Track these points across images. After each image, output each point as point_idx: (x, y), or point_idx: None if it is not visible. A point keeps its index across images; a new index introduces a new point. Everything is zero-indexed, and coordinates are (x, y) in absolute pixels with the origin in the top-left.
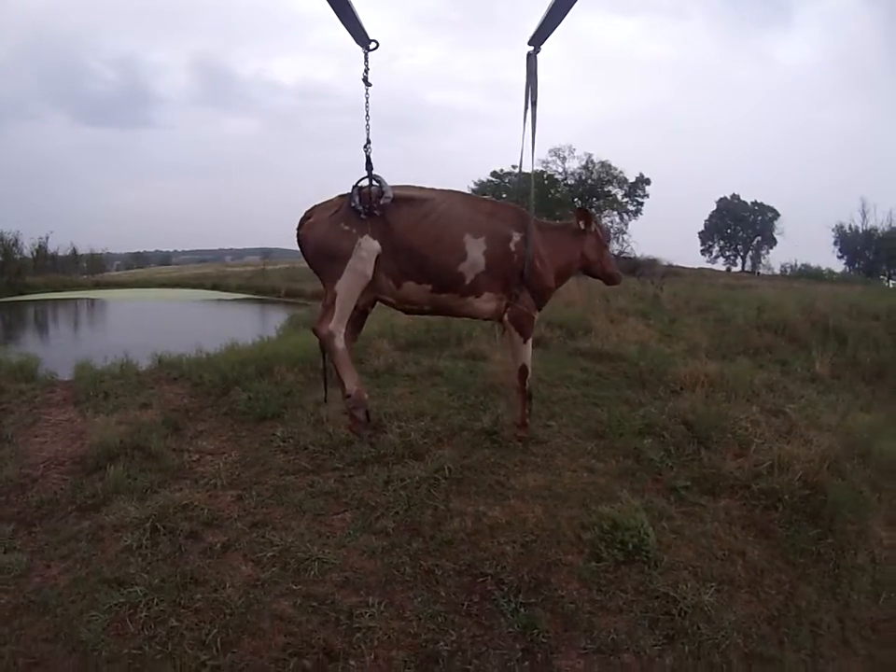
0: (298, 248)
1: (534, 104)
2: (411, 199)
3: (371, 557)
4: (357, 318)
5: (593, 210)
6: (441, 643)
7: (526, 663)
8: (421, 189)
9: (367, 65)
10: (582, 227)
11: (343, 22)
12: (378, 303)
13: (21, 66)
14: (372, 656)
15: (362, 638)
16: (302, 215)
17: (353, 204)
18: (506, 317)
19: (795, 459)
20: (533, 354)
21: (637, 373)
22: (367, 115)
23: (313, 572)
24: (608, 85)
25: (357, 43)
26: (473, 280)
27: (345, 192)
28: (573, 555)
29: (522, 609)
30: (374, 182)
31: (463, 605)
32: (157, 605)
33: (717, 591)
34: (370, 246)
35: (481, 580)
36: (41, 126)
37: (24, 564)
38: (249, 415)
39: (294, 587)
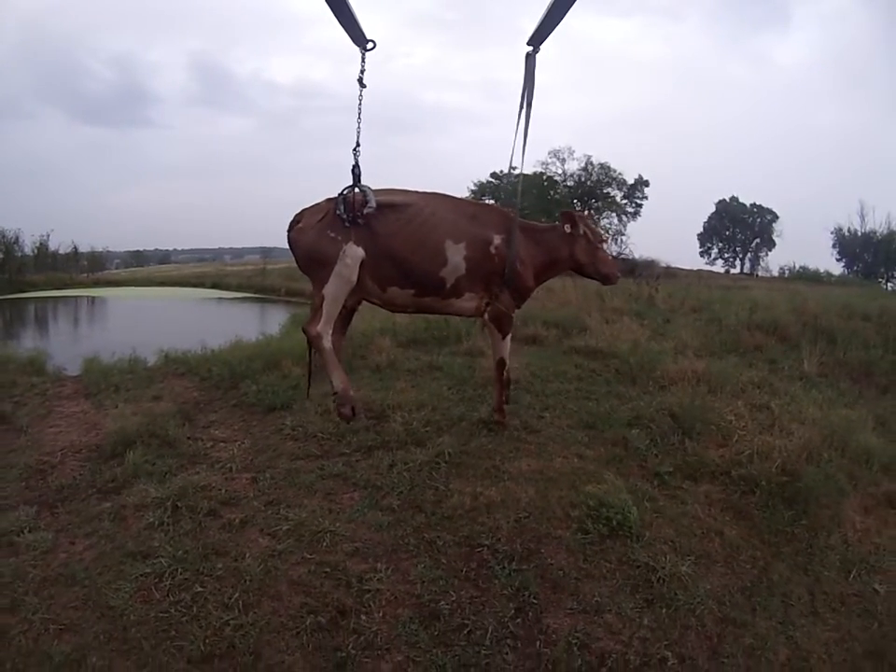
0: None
1: (529, 104)
2: (394, 205)
3: (378, 530)
4: (346, 316)
5: (592, 211)
6: (443, 602)
7: (519, 619)
8: (405, 193)
9: (363, 66)
10: (569, 230)
11: (340, 22)
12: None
13: (18, 65)
14: (381, 614)
15: (371, 599)
16: (292, 218)
17: (338, 213)
18: (486, 316)
19: (775, 449)
20: (529, 351)
21: (628, 370)
22: (359, 117)
23: (325, 543)
24: (605, 86)
25: (355, 43)
26: (454, 283)
27: (333, 196)
28: (562, 529)
29: (515, 575)
30: (359, 191)
31: (462, 571)
32: (181, 574)
33: (694, 563)
34: (354, 253)
35: (478, 549)
36: (39, 125)
37: (50, 541)
38: (258, 406)
39: (308, 556)
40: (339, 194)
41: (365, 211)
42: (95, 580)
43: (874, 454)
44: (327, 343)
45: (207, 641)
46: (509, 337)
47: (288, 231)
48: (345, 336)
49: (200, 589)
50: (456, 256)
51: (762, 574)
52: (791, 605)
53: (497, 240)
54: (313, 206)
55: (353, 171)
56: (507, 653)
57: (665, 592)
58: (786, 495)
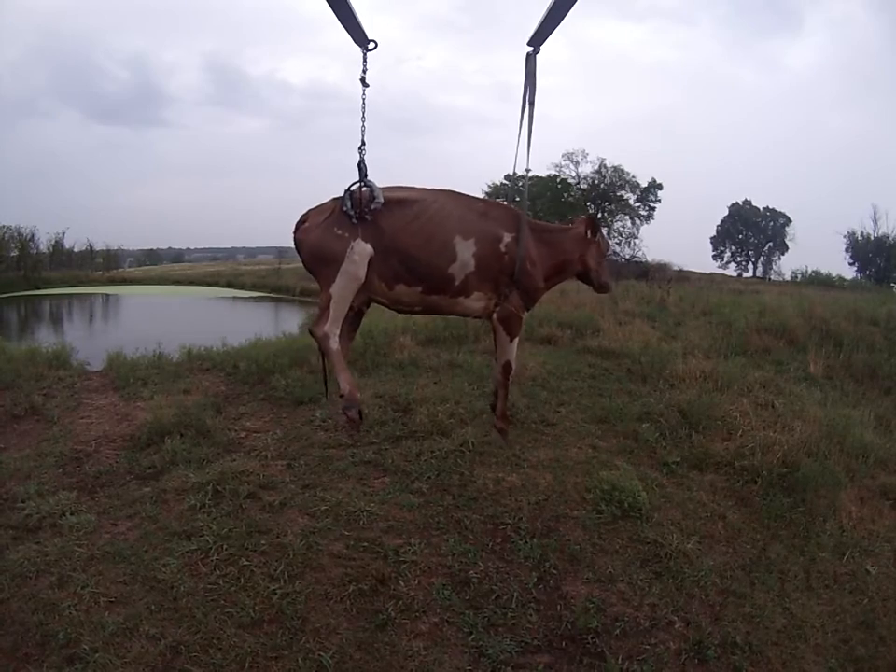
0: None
1: (531, 104)
2: (401, 201)
3: (409, 510)
4: (354, 318)
5: (603, 215)
6: (472, 572)
7: (541, 586)
8: (412, 189)
9: (365, 66)
10: (589, 236)
11: (341, 22)
12: None
13: (36, 65)
14: (417, 582)
15: (407, 569)
16: (298, 219)
17: (344, 209)
18: (494, 317)
19: (777, 444)
20: (545, 351)
21: (639, 369)
22: (363, 116)
23: (361, 521)
24: (618, 89)
25: (356, 43)
26: (463, 281)
27: (339, 195)
28: (578, 510)
29: (536, 549)
30: (366, 186)
31: (488, 545)
32: (226, 550)
33: (699, 542)
34: (362, 250)
35: (502, 527)
36: (55, 124)
37: (93, 523)
38: (287, 400)
39: (346, 533)
40: (345, 191)
41: (372, 207)
42: (142, 556)
43: (871, 449)
44: (333, 343)
45: (256, 608)
46: (517, 340)
47: (294, 231)
48: (354, 339)
49: (246, 563)
50: (466, 252)
51: (761, 553)
52: (787, 581)
53: (507, 238)
54: (318, 206)
55: (359, 166)
56: (531, 615)
57: (672, 566)
58: (785, 484)
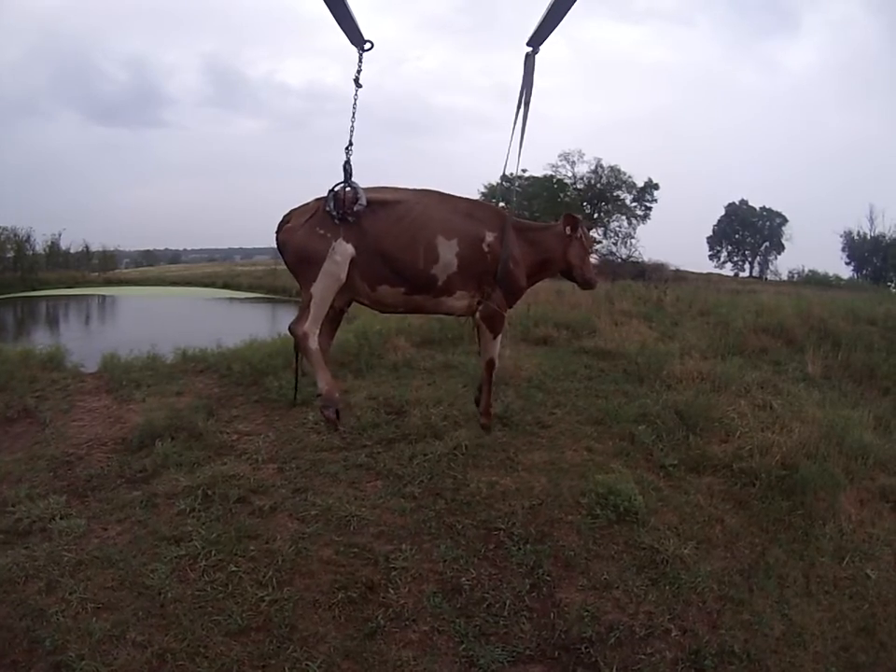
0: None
1: (527, 104)
2: (385, 202)
3: (401, 515)
4: (335, 317)
5: (600, 215)
6: (464, 579)
7: (534, 594)
8: (397, 190)
9: (360, 66)
10: (569, 233)
11: (338, 22)
12: None
13: (35, 65)
14: (407, 589)
15: (398, 575)
16: (281, 219)
17: (327, 209)
18: (478, 315)
19: (775, 445)
20: (541, 351)
21: (635, 370)
22: (353, 117)
23: (352, 527)
24: (616, 90)
25: (352, 43)
26: (446, 281)
27: (322, 196)
28: (573, 515)
29: (530, 555)
30: (349, 188)
31: (481, 551)
32: (215, 555)
33: (696, 547)
34: (343, 250)
35: (495, 532)
36: (53, 124)
37: (83, 527)
38: (280, 402)
39: (336, 538)
40: (329, 191)
41: (355, 208)
42: (130, 562)
43: (870, 450)
44: (313, 343)
45: (244, 615)
46: (500, 337)
47: (277, 231)
48: (334, 338)
49: (234, 569)
50: (448, 252)
51: (759, 558)
52: (786, 586)
53: (490, 237)
54: (301, 206)
55: (344, 168)
56: (524, 623)
57: (668, 572)
58: (784, 487)
